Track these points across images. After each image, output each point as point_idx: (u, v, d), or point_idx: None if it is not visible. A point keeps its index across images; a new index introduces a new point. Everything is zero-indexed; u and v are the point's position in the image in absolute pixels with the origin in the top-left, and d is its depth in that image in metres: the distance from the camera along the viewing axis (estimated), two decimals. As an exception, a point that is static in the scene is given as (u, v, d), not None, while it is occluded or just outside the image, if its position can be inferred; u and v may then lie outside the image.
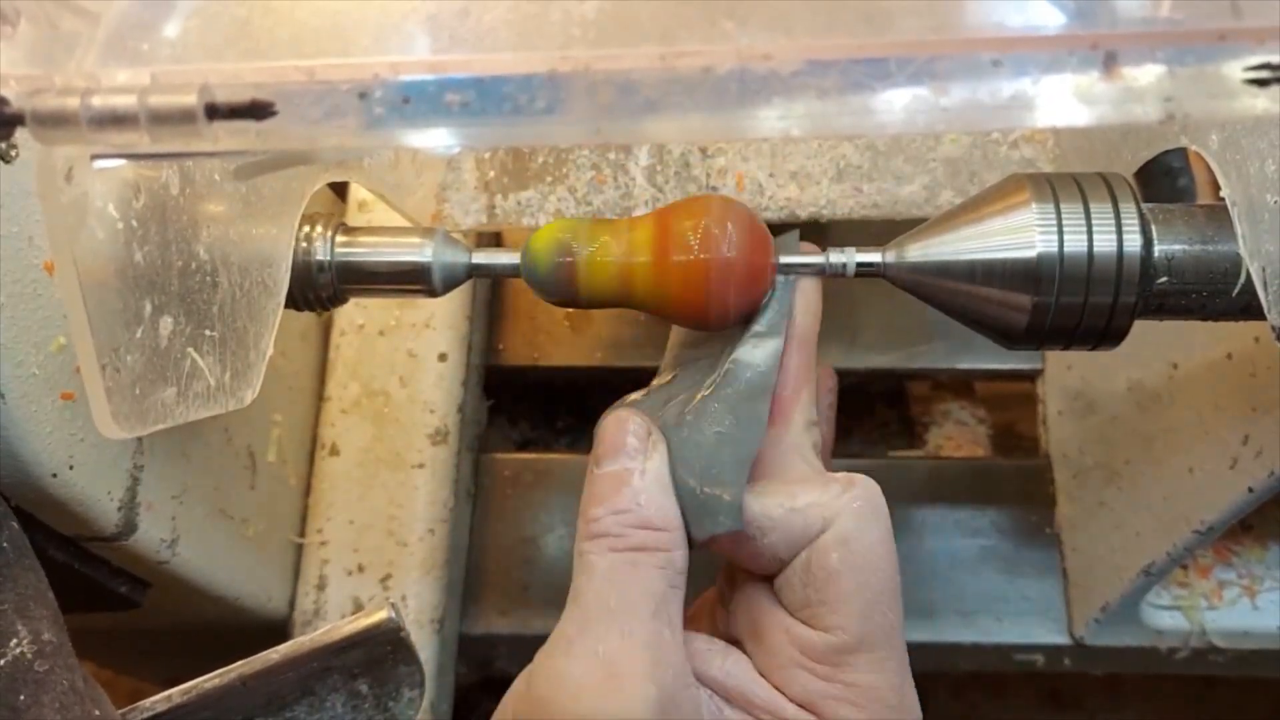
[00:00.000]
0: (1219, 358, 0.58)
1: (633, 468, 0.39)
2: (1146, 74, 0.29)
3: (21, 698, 0.36)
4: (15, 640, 0.37)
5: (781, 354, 0.42)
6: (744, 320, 0.44)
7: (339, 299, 0.49)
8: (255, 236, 0.45)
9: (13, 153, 0.40)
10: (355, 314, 0.78)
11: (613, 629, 0.36)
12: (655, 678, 0.35)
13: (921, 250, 0.43)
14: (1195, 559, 0.76)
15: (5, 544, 0.40)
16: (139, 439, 0.51)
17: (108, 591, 0.54)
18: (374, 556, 0.73)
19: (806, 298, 0.43)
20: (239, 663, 0.43)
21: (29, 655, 0.37)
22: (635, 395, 0.45)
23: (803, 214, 0.62)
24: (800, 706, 0.37)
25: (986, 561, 0.81)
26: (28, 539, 0.41)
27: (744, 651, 0.40)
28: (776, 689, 0.38)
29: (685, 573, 0.39)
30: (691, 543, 0.40)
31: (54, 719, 0.37)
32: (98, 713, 0.39)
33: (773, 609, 0.39)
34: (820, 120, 0.30)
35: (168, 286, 0.40)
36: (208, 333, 0.42)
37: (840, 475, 0.40)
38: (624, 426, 0.40)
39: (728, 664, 0.39)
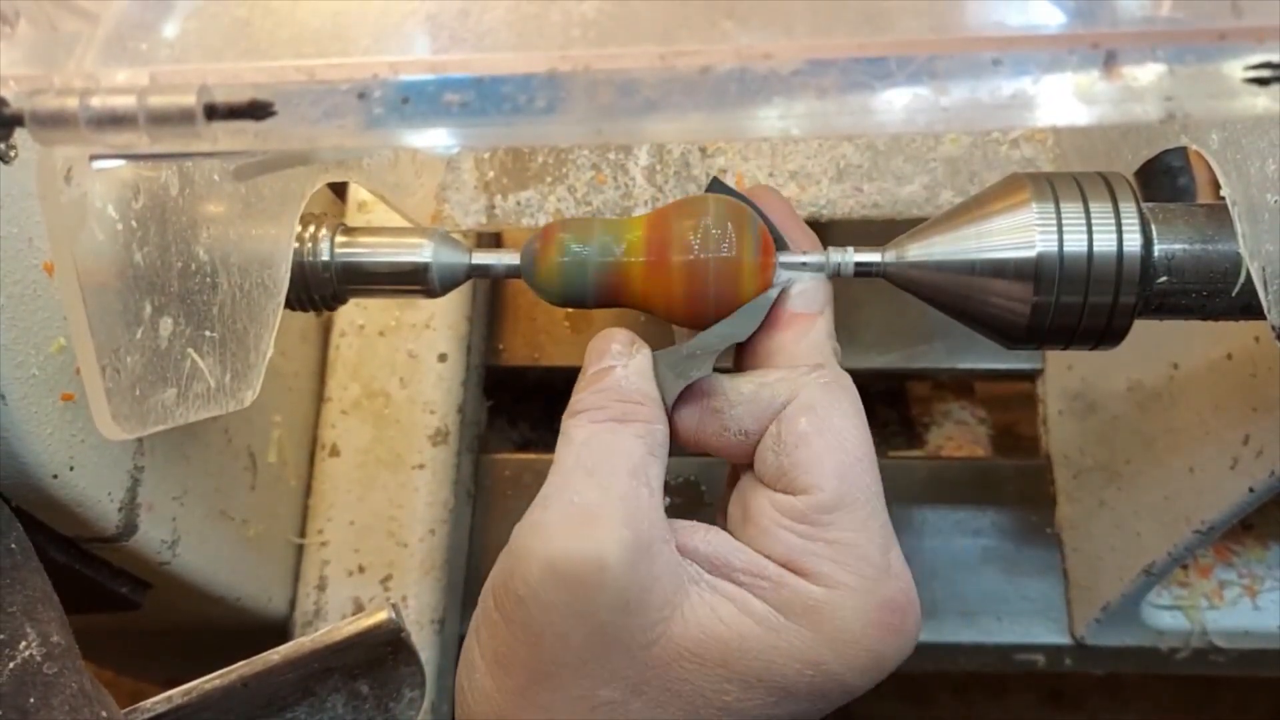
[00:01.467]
0: (1219, 358, 0.58)
1: (615, 364, 0.40)
2: (1147, 73, 0.29)
3: (31, 700, 0.36)
4: (24, 643, 0.38)
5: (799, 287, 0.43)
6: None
7: (339, 299, 0.49)
8: (255, 237, 0.45)
9: (12, 153, 0.40)
10: (355, 315, 0.78)
11: (590, 483, 0.37)
12: (630, 524, 0.36)
13: (921, 250, 0.43)
14: (1196, 559, 0.76)
15: (14, 546, 0.40)
16: (139, 440, 0.51)
17: (108, 592, 0.54)
18: (374, 557, 0.73)
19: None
20: (240, 663, 0.43)
21: (38, 658, 0.38)
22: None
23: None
24: (782, 566, 0.37)
25: (987, 561, 0.81)
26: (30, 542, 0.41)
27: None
28: (759, 553, 0.37)
29: (666, 446, 0.40)
30: (672, 421, 0.41)
31: None
32: (105, 714, 0.39)
33: (754, 488, 0.39)
34: (820, 120, 0.30)
35: (168, 287, 0.40)
36: (208, 334, 0.42)
37: (813, 363, 0.41)
38: (609, 336, 0.41)
39: (710, 535, 0.38)
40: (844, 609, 0.36)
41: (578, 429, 0.39)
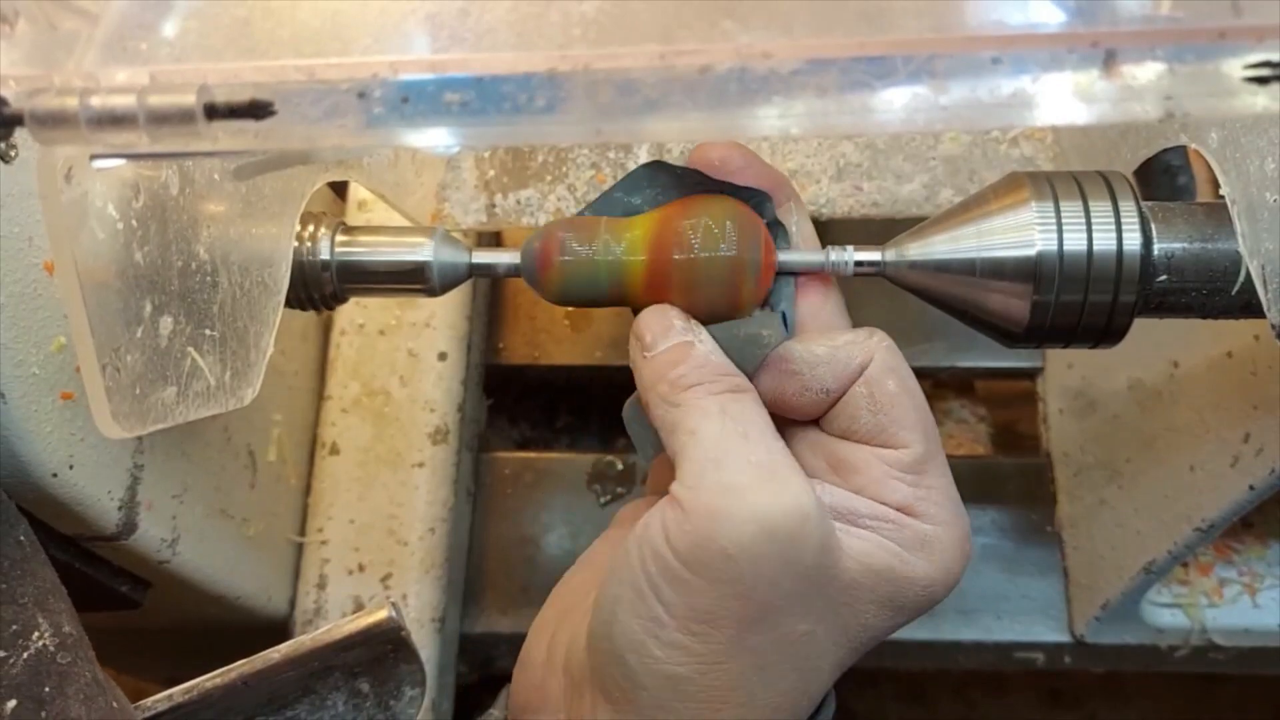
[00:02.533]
0: (1219, 356, 0.58)
1: (690, 339, 0.42)
2: (1146, 72, 0.29)
3: (46, 689, 0.37)
4: (37, 633, 0.38)
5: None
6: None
7: (339, 298, 0.49)
8: (255, 236, 0.45)
9: (12, 153, 0.40)
10: (355, 313, 0.78)
11: (754, 446, 0.40)
12: (806, 479, 0.40)
13: (921, 249, 0.43)
14: (1196, 557, 0.76)
15: (22, 538, 0.40)
16: (139, 438, 0.51)
17: (108, 591, 0.54)
18: (374, 556, 0.74)
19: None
20: (240, 662, 0.43)
21: (51, 648, 0.38)
22: None
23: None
24: (899, 510, 0.42)
25: (987, 560, 0.81)
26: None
27: None
28: (875, 501, 0.42)
29: None
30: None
31: (78, 710, 0.37)
32: (117, 705, 0.39)
33: (843, 443, 0.43)
34: (820, 119, 0.30)
35: (168, 286, 0.40)
36: (208, 332, 0.42)
37: (860, 329, 0.44)
38: (665, 312, 0.43)
39: (824, 490, 0.42)
40: (946, 540, 0.42)
41: (703, 400, 0.41)
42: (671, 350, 0.42)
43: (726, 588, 0.38)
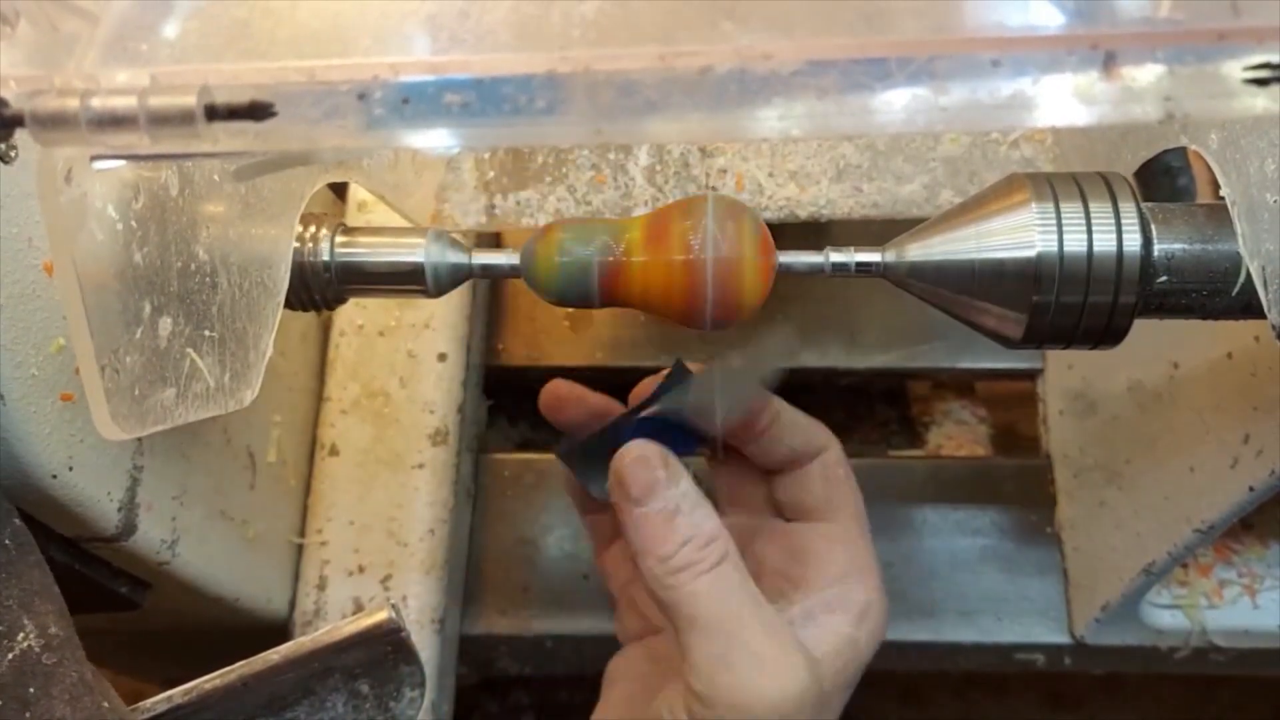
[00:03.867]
0: (1219, 357, 0.58)
1: (675, 497, 0.46)
2: (1146, 73, 0.29)
3: (31, 690, 0.37)
4: (22, 634, 0.38)
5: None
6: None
7: (338, 299, 0.49)
8: (255, 237, 0.45)
9: (12, 154, 0.40)
10: (355, 314, 0.78)
11: (751, 627, 0.45)
12: (795, 644, 0.45)
13: (921, 250, 0.43)
14: (1196, 558, 0.76)
15: (8, 541, 0.40)
16: (138, 440, 0.51)
17: (108, 592, 0.54)
18: (374, 557, 0.73)
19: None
20: (239, 663, 0.43)
21: (36, 649, 0.38)
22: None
23: (802, 214, 0.62)
24: (839, 579, 0.49)
25: (987, 561, 0.81)
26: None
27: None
28: (822, 573, 0.50)
29: None
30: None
31: (64, 710, 0.37)
32: (106, 704, 0.39)
33: (798, 528, 0.52)
34: (820, 120, 0.30)
35: (167, 287, 0.40)
36: (207, 333, 0.42)
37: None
38: (649, 464, 0.46)
39: (792, 611, 0.49)
40: (879, 605, 0.50)
41: (697, 583, 0.45)
42: (656, 517, 0.46)
43: None
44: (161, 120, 0.30)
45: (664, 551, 0.45)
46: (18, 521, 0.41)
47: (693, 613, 0.45)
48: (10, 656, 0.37)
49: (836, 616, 0.48)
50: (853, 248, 0.44)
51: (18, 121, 0.31)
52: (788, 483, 0.52)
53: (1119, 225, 0.41)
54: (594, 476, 0.49)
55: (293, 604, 0.73)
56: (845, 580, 0.49)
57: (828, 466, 0.51)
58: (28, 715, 0.36)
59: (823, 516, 0.50)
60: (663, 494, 0.46)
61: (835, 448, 0.51)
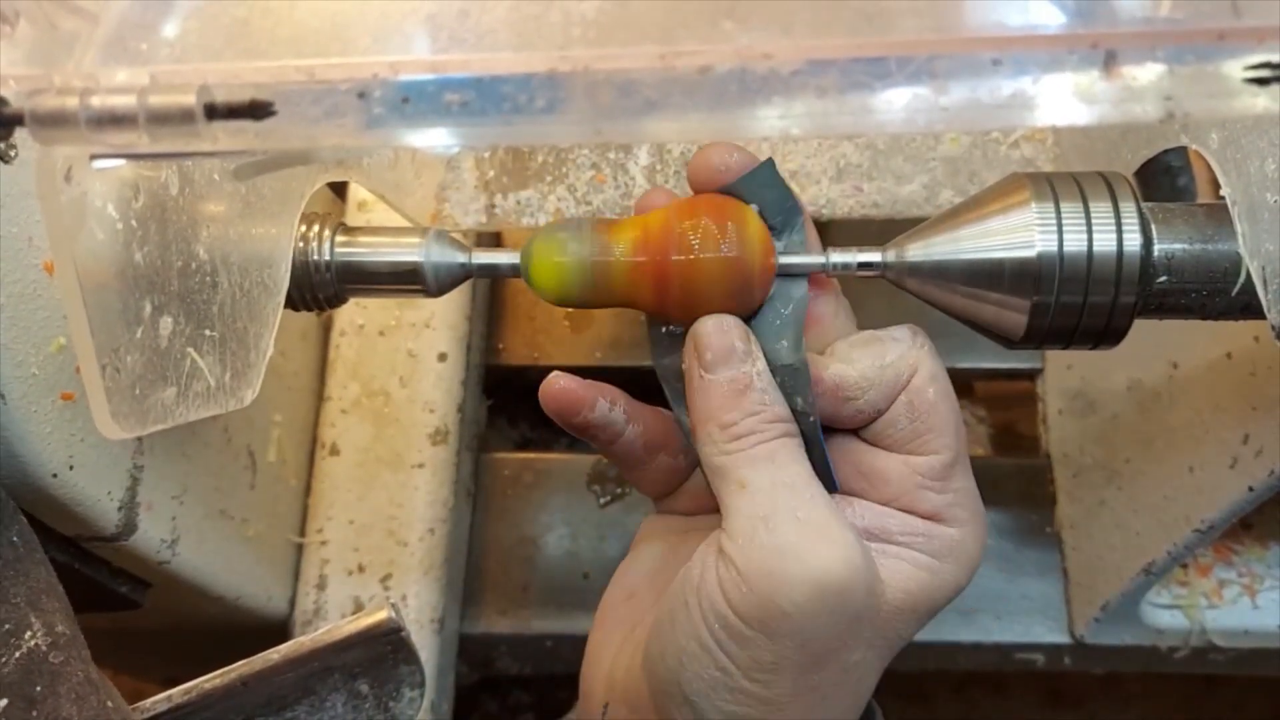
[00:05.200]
0: (1219, 357, 0.58)
1: (748, 371, 0.43)
2: (1146, 73, 0.29)
3: (38, 688, 0.37)
4: (30, 633, 0.38)
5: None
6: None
7: (338, 299, 0.49)
8: (255, 236, 0.45)
9: (12, 153, 0.40)
10: (355, 314, 0.78)
11: (801, 498, 0.41)
12: (849, 527, 0.41)
13: (921, 250, 0.43)
14: (1195, 558, 0.76)
15: (16, 539, 0.40)
16: (139, 439, 0.51)
17: (108, 591, 0.54)
18: (374, 556, 0.73)
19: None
20: (239, 663, 0.43)
21: (43, 647, 0.38)
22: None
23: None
24: (928, 519, 0.43)
25: (987, 560, 0.81)
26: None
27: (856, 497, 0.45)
28: (905, 511, 0.43)
29: None
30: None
31: (70, 709, 0.37)
32: (111, 704, 0.39)
33: (876, 452, 0.44)
34: (820, 119, 0.30)
35: (167, 286, 0.40)
36: (208, 333, 0.42)
37: (895, 327, 0.45)
38: (727, 332, 0.43)
39: (856, 509, 0.44)
40: (972, 540, 0.44)
41: (756, 450, 0.42)
42: (725, 385, 0.43)
43: (787, 640, 0.40)
44: (161, 119, 0.30)
45: (727, 419, 0.42)
46: (24, 520, 0.41)
47: (744, 476, 0.42)
48: (17, 655, 0.37)
49: (918, 548, 0.43)
50: (853, 248, 0.44)
51: (17, 120, 0.31)
52: (878, 429, 0.45)
53: (1119, 225, 0.41)
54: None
55: (292, 603, 0.73)
56: (933, 519, 0.44)
57: (913, 394, 0.43)
58: (34, 714, 0.36)
59: (911, 450, 0.44)
60: (737, 365, 0.43)
61: (925, 366, 0.44)
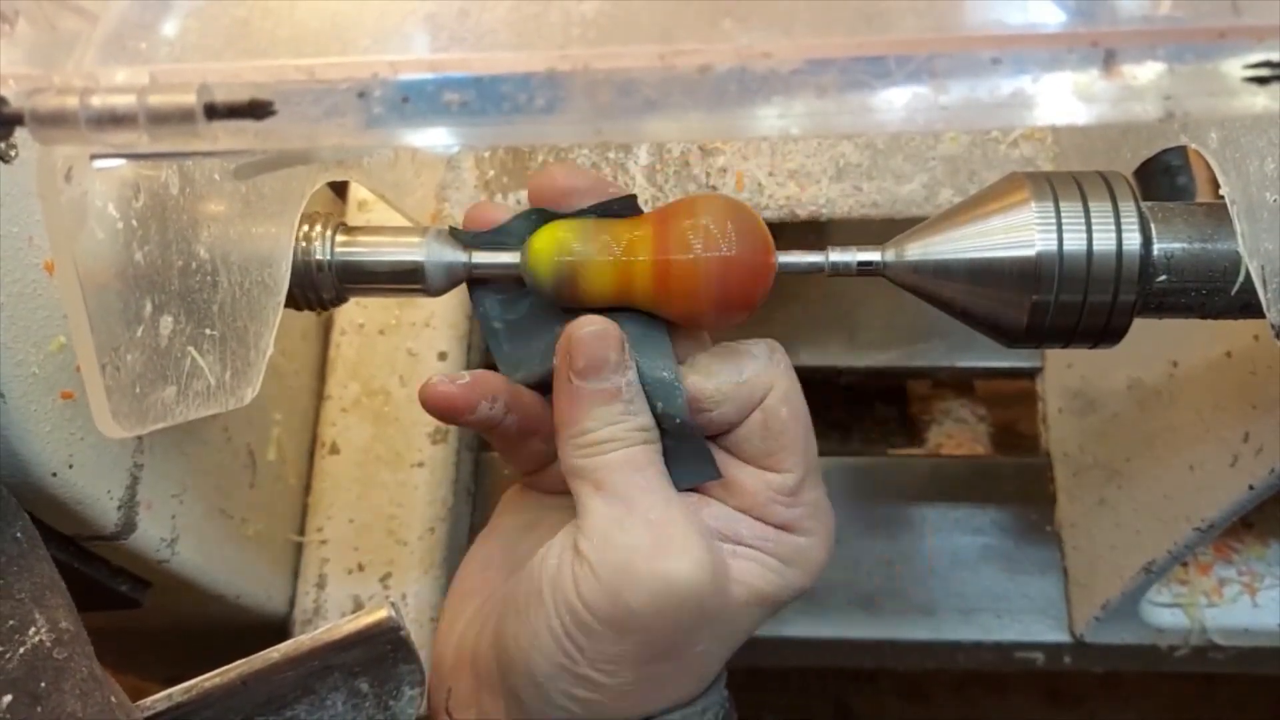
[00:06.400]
0: (1219, 356, 0.58)
1: (619, 382, 0.44)
2: (1146, 72, 0.29)
3: (43, 684, 0.37)
4: (34, 628, 0.38)
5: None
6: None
7: (339, 298, 0.49)
8: (255, 236, 0.45)
9: (12, 153, 0.40)
10: (355, 313, 0.78)
11: (655, 502, 0.43)
12: (699, 531, 0.43)
13: (921, 249, 0.43)
14: (1196, 556, 0.76)
15: (19, 534, 0.40)
16: (139, 438, 0.51)
17: (108, 590, 0.54)
18: (374, 555, 0.74)
19: None
20: (239, 662, 0.43)
21: (48, 643, 0.38)
22: None
23: (802, 213, 0.62)
24: (778, 529, 0.46)
25: (987, 559, 0.81)
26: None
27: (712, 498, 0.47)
28: (758, 520, 0.46)
29: None
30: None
31: (75, 705, 0.37)
32: (114, 700, 0.39)
33: (732, 461, 0.46)
34: (820, 119, 0.30)
35: (168, 286, 0.40)
36: (208, 332, 0.42)
37: (753, 341, 0.46)
38: (604, 339, 0.44)
39: (713, 511, 0.46)
40: (819, 548, 0.46)
41: (612, 455, 0.43)
42: (596, 393, 0.43)
43: (633, 636, 0.42)
44: (161, 119, 0.30)
45: (589, 425, 0.43)
46: (26, 517, 0.41)
47: (601, 479, 0.43)
48: (22, 651, 0.37)
49: (766, 551, 0.45)
50: (853, 247, 0.44)
51: (17, 120, 0.31)
52: (724, 436, 0.46)
53: (1118, 224, 0.41)
54: (522, 359, 0.46)
55: (292, 602, 0.73)
56: (783, 528, 0.46)
57: (766, 413, 0.45)
58: (39, 710, 0.36)
59: (764, 465, 0.45)
60: (609, 375, 0.43)
61: (779, 386, 0.45)
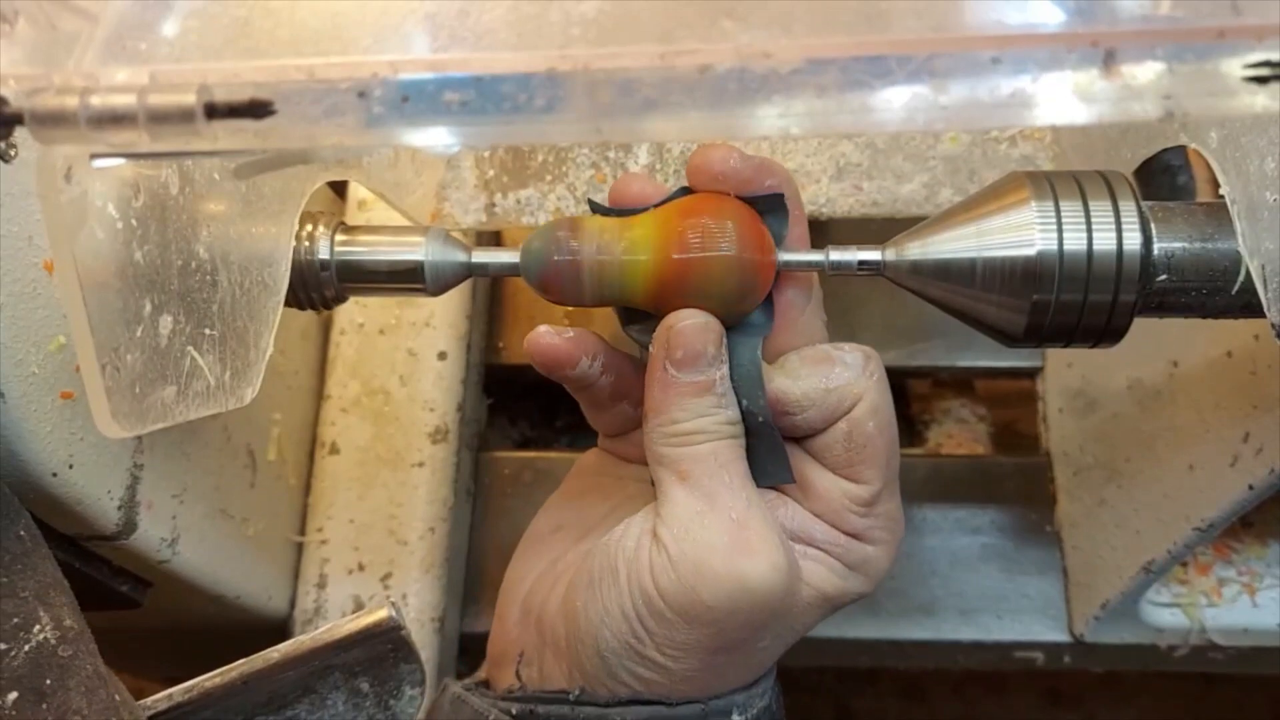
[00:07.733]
0: (1219, 355, 0.58)
1: (714, 375, 0.44)
2: (1146, 71, 0.29)
3: (48, 681, 0.37)
4: (38, 626, 0.38)
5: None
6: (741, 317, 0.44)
7: (338, 298, 0.49)
8: (255, 235, 0.45)
9: (12, 152, 0.40)
10: (355, 312, 0.78)
11: (738, 498, 0.43)
12: (775, 527, 0.44)
13: (921, 248, 0.43)
14: (1195, 556, 0.76)
15: (22, 533, 0.40)
16: (139, 438, 0.51)
17: (108, 591, 0.54)
18: (374, 555, 0.74)
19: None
20: (240, 661, 0.43)
21: (52, 641, 0.38)
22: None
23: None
24: (850, 536, 0.46)
25: (987, 559, 0.81)
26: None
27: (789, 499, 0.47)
28: (831, 526, 0.46)
29: None
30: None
31: (80, 702, 0.37)
32: (119, 698, 0.39)
33: (811, 464, 0.46)
34: (820, 118, 0.30)
35: (168, 285, 0.40)
36: (208, 331, 0.42)
37: (850, 348, 0.46)
38: (704, 332, 0.43)
39: (787, 511, 0.46)
40: (885, 557, 0.47)
41: (701, 447, 0.44)
42: (690, 385, 0.44)
43: (704, 629, 0.43)
44: (161, 118, 0.30)
45: (680, 415, 0.44)
46: (29, 516, 0.41)
47: (686, 469, 0.43)
48: (27, 648, 0.37)
49: (834, 554, 0.46)
50: (853, 246, 0.44)
51: (17, 120, 0.31)
52: (808, 439, 0.47)
53: (1119, 224, 0.41)
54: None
55: (293, 602, 0.73)
56: (854, 537, 0.46)
57: (852, 424, 0.45)
58: (45, 707, 0.36)
59: (844, 475, 0.46)
60: (704, 368, 0.43)
61: (869, 398, 0.45)
